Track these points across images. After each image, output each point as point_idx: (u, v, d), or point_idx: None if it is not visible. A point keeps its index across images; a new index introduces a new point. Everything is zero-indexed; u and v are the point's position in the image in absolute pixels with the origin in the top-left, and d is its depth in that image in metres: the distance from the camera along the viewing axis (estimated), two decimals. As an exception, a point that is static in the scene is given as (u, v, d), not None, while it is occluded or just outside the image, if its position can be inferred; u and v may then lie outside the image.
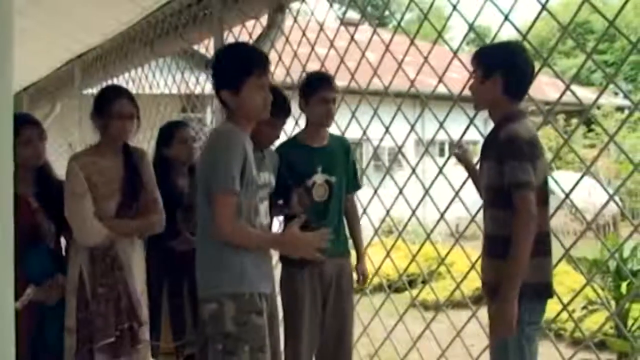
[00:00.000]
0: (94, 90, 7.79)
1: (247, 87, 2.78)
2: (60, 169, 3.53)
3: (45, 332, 3.31)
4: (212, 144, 2.82)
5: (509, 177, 2.60)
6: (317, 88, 3.57)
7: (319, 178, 3.57)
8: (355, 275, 3.80)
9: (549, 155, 3.63)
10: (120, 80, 7.02)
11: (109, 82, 7.15)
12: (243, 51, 2.98)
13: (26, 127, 3.33)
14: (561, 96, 3.40)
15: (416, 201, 4.04)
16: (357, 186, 3.85)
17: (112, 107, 3.33)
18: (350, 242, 3.82)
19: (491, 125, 2.85)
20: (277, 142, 3.66)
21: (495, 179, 2.69)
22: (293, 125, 4.29)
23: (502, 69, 2.73)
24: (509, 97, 2.75)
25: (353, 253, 3.81)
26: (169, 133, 3.96)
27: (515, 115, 2.74)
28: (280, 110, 3.26)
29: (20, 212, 3.13)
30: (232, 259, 2.76)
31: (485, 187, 2.82)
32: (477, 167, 3.11)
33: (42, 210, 3.34)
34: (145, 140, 6.42)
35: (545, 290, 2.75)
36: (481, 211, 2.92)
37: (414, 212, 4.05)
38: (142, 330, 3.40)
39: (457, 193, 3.73)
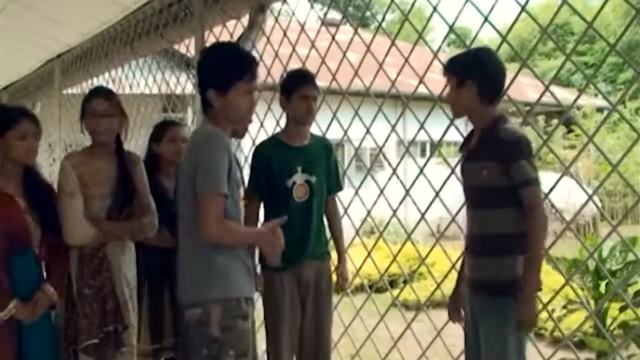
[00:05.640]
0: (74, 90, 7.74)
1: (236, 90, 2.77)
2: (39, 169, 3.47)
3: (27, 347, 3.08)
4: (197, 146, 2.77)
5: (518, 176, 2.67)
6: (298, 85, 3.55)
7: (298, 178, 3.54)
8: (335, 277, 3.79)
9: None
10: (100, 80, 6.97)
11: (89, 82, 7.12)
12: (236, 53, 2.95)
13: (22, 120, 3.15)
14: (540, 97, 3.43)
15: (397, 201, 4.05)
16: (338, 187, 3.83)
17: (87, 106, 3.36)
18: (331, 243, 3.82)
19: (472, 126, 2.89)
20: (257, 141, 3.64)
21: (495, 179, 2.74)
22: (274, 126, 4.29)
23: (474, 75, 2.79)
24: (485, 101, 2.81)
25: (334, 254, 3.80)
26: (161, 130, 3.96)
27: (502, 117, 2.82)
28: None
29: (10, 212, 3.06)
30: (220, 263, 2.74)
31: (478, 187, 2.84)
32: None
33: (30, 212, 3.15)
34: (125, 140, 6.38)
35: (538, 285, 2.80)
36: (462, 211, 2.94)
37: (394, 212, 4.06)
38: (127, 334, 3.35)
39: (437, 193, 3.74)
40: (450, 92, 2.90)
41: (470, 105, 2.84)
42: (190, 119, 5.52)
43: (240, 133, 3.37)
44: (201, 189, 2.67)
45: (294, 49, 4.37)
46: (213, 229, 2.66)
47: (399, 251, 4.20)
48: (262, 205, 3.63)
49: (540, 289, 2.84)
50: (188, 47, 5.46)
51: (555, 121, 13.86)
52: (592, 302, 6.33)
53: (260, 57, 4.55)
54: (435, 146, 3.94)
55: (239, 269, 2.79)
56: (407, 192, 3.91)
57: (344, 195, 3.96)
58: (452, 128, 3.65)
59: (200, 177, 2.68)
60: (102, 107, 3.34)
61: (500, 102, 2.88)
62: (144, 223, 3.44)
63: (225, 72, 2.79)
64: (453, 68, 2.89)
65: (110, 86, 6.75)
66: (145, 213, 3.44)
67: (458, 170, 3.58)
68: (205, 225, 2.66)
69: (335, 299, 3.83)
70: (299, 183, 3.54)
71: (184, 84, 5.91)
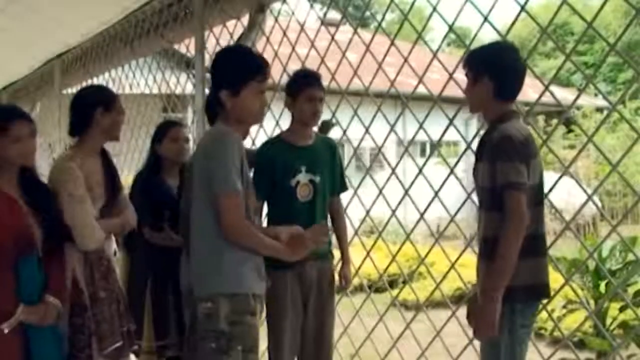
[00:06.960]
0: (74, 90, 7.74)
1: (247, 91, 2.82)
2: (39, 170, 3.44)
3: (34, 348, 2.95)
4: (210, 146, 2.81)
5: (500, 178, 2.58)
6: (303, 86, 3.56)
7: (302, 177, 3.54)
8: (337, 278, 3.78)
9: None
10: (100, 80, 6.98)
11: (89, 82, 7.12)
12: (247, 55, 3.03)
13: (15, 123, 2.97)
14: (540, 97, 3.43)
15: (397, 201, 4.05)
16: (343, 188, 3.83)
17: (112, 104, 3.31)
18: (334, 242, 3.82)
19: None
20: (257, 141, 3.64)
21: (488, 181, 2.67)
22: (274, 126, 4.29)
23: (490, 71, 2.72)
24: (499, 99, 2.74)
25: (337, 254, 3.80)
26: (162, 130, 3.98)
27: (507, 115, 2.73)
28: None
29: (15, 214, 2.96)
30: (231, 259, 2.76)
31: (480, 189, 2.79)
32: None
33: (32, 214, 3.01)
34: (125, 140, 6.39)
35: (538, 292, 2.74)
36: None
37: (394, 212, 4.06)
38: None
39: (436, 193, 3.74)
40: (466, 87, 2.84)
41: (483, 102, 2.78)
42: (190, 119, 5.52)
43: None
44: (220, 188, 2.71)
45: (293, 49, 4.37)
46: (236, 226, 2.72)
47: (398, 251, 4.20)
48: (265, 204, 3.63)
49: (546, 297, 2.81)
50: (188, 47, 5.47)
51: (555, 121, 13.88)
52: (592, 302, 6.34)
53: (260, 57, 4.56)
54: (435, 146, 3.93)
55: (249, 266, 2.82)
56: (407, 192, 3.91)
57: (343, 195, 3.96)
58: (452, 128, 3.65)
59: (217, 176, 2.72)
60: (121, 105, 3.36)
61: (514, 100, 2.82)
62: (128, 217, 3.42)
63: (237, 72, 2.84)
64: (470, 62, 2.82)
65: (110, 86, 6.76)
66: (124, 206, 3.44)
67: (458, 170, 3.60)
68: (228, 223, 2.71)
69: (335, 300, 3.82)
70: (302, 182, 3.54)
71: (184, 84, 5.92)
